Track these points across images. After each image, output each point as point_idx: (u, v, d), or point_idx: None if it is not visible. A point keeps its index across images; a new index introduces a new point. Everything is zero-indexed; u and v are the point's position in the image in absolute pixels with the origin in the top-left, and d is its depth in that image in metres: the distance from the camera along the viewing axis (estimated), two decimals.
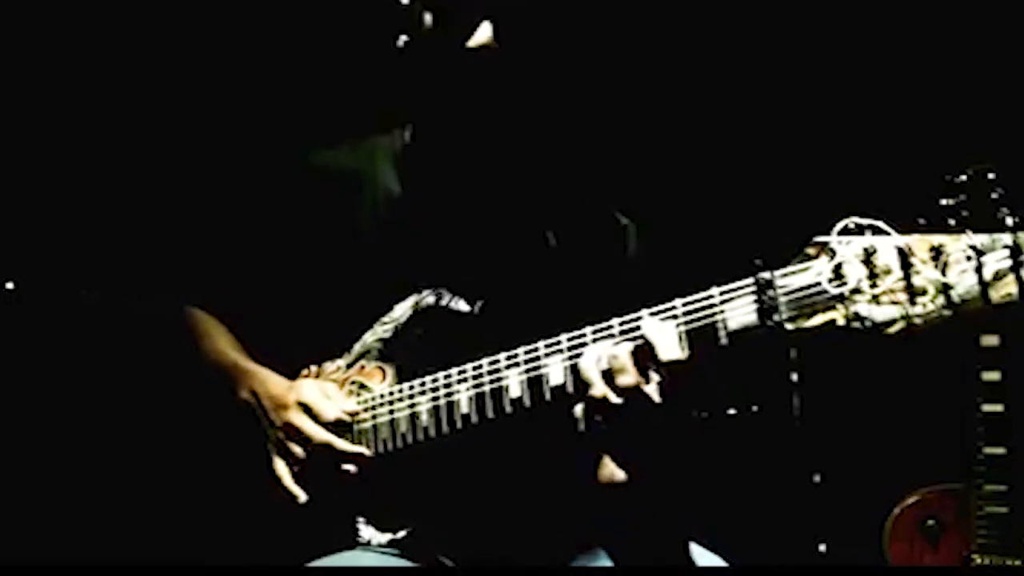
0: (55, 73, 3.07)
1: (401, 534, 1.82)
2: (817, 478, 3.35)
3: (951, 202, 2.57)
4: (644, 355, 1.53)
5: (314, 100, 3.13)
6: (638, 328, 1.60)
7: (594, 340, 1.63)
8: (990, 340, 2.93)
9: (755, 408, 3.53)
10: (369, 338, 1.89)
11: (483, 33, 1.81)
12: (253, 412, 1.88)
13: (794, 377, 3.36)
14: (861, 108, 3.49)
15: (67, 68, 3.08)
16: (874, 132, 3.47)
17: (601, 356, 1.55)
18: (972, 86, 3.34)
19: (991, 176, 2.56)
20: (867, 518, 3.10)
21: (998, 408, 2.91)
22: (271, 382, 1.89)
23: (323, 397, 1.85)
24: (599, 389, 1.53)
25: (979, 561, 2.90)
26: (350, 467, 1.80)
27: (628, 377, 1.52)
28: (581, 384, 1.57)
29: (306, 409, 1.83)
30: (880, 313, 1.38)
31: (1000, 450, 2.90)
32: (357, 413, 1.85)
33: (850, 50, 3.48)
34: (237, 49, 3.17)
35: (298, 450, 1.82)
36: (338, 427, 1.84)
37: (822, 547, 3.35)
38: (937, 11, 3.38)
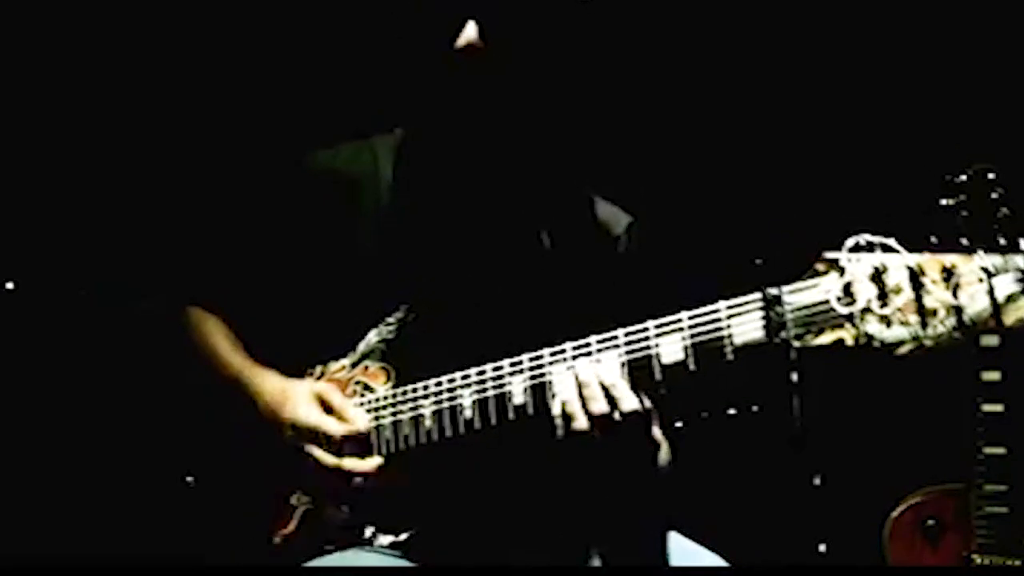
0: (57, 74, 3.06)
1: (404, 535, 1.82)
2: (817, 479, 3.35)
3: (951, 202, 2.58)
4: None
5: (315, 102, 3.13)
6: (645, 339, 1.60)
7: (599, 350, 1.64)
8: (990, 340, 2.93)
9: (755, 408, 3.53)
10: (373, 338, 1.89)
11: (469, 32, 1.80)
12: (256, 417, 1.88)
13: (794, 377, 3.36)
14: (868, 120, 3.49)
15: (69, 69, 3.07)
16: (881, 143, 3.47)
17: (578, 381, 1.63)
18: (972, 86, 3.34)
19: (991, 176, 2.57)
20: (867, 518, 3.10)
21: (998, 408, 2.91)
22: (264, 391, 1.87)
23: (322, 415, 1.82)
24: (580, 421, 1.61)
25: (979, 561, 2.90)
26: (358, 480, 1.80)
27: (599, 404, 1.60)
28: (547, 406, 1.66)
29: (306, 432, 1.82)
30: (890, 334, 1.38)
31: (1000, 450, 2.90)
32: (361, 430, 1.82)
33: (862, 61, 3.48)
34: (239, 52, 3.16)
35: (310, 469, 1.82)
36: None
37: (822, 547, 3.35)
38: (937, 12, 3.38)
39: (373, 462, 1.80)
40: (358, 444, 1.81)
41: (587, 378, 1.62)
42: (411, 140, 2.02)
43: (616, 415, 1.60)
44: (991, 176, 2.60)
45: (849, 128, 3.51)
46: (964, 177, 2.64)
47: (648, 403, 1.63)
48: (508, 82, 1.82)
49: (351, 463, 1.79)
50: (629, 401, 1.60)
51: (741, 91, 3.53)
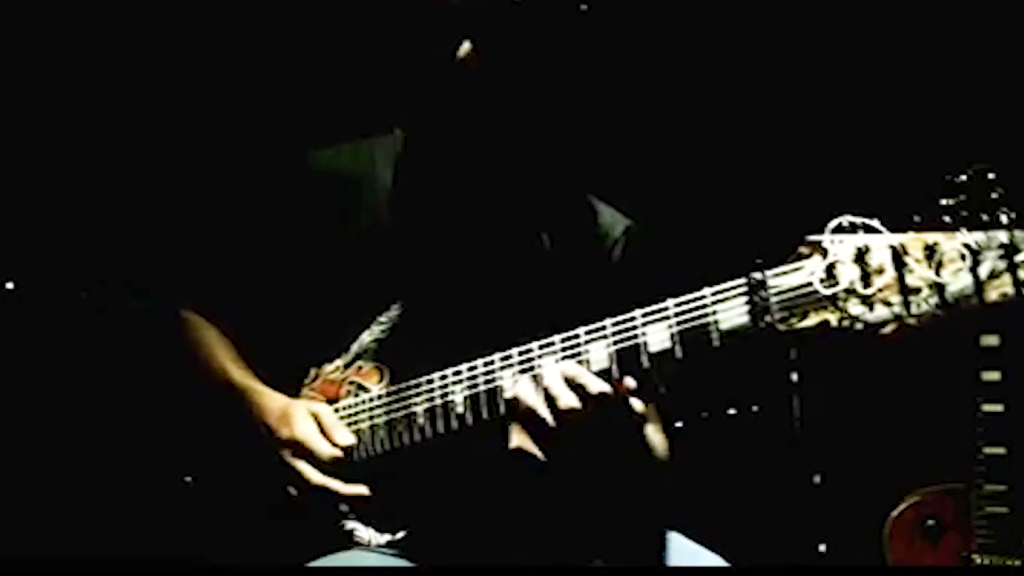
0: (57, 74, 3.07)
1: (399, 535, 1.81)
2: (817, 478, 3.35)
3: (951, 202, 2.57)
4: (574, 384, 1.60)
5: (314, 103, 3.14)
6: (632, 328, 1.60)
7: (587, 341, 1.63)
8: (990, 340, 2.92)
9: (755, 408, 3.53)
10: (366, 338, 1.89)
11: (466, 45, 1.81)
12: (254, 432, 1.88)
13: (794, 377, 3.36)
14: (857, 106, 3.49)
15: (69, 69, 3.08)
16: (870, 130, 3.47)
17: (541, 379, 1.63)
18: (972, 86, 3.33)
19: (991, 176, 2.56)
20: (867, 518, 3.09)
21: (998, 408, 2.91)
22: (265, 409, 1.86)
23: (317, 434, 1.81)
24: (542, 411, 1.60)
25: (979, 561, 2.90)
26: (343, 505, 1.80)
27: (567, 400, 1.59)
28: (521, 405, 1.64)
29: (302, 446, 1.81)
30: (873, 314, 1.38)
31: (1000, 450, 2.90)
32: (352, 447, 1.81)
33: (847, 48, 3.48)
34: (238, 52, 3.18)
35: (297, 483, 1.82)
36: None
37: (822, 547, 3.35)
38: (937, 11, 3.38)
39: (357, 489, 1.80)
40: (345, 468, 1.81)
41: (526, 391, 1.64)
42: (411, 143, 2.02)
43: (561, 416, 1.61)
44: (991, 176, 2.59)
45: (850, 128, 3.52)
46: (964, 177, 2.63)
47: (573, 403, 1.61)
48: (506, 89, 1.82)
49: (336, 485, 1.79)
50: (566, 399, 1.60)
51: (742, 92, 3.54)
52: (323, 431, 1.82)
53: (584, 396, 1.59)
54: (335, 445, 1.80)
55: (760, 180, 3.54)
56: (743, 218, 3.38)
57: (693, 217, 3.41)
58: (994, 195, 2.54)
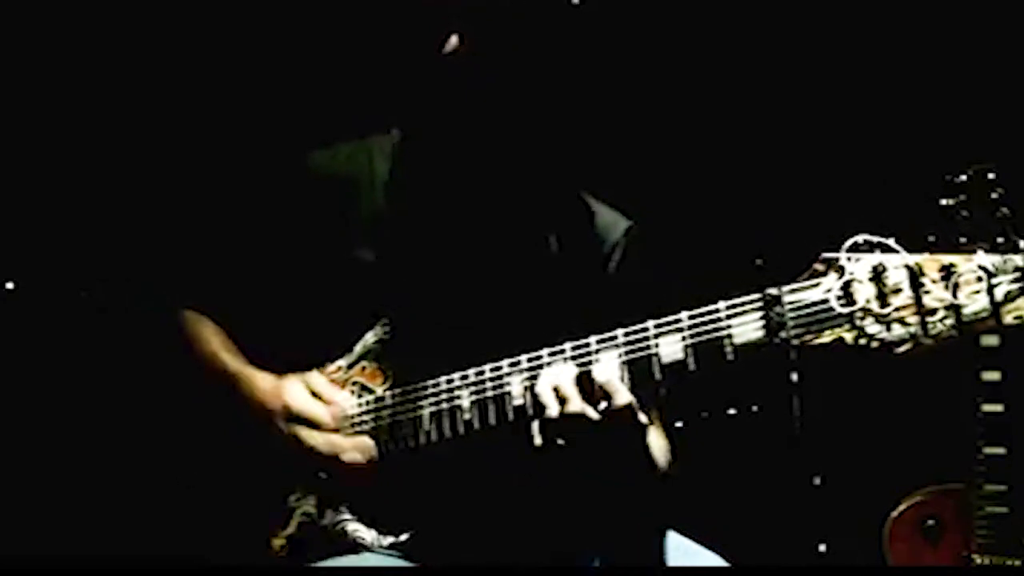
0: (58, 74, 3.06)
1: (403, 536, 1.81)
2: (817, 479, 3.36)
3: (951, 202, 2.59)
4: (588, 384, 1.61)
5: (313, 103, 3.13)
6: (644, 339, 1.60)
7: (598, 350, 1.64)
8: (990, 340, 2.93)
9: (755, 408, 3.53)
10: (370, 339, 1.88)
11: (454, 39, 1.81)
12: (251, 415, 1.88)
13: (794, 377, 3.37)
14: (857, 107, 3.49)
15: (69, 69, 3.07)
16: (871, 130, 3.47)
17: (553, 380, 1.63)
18: (972, 86, 3.34)
19: (991, 176, 2.57)
20: (867, 518, 3.10)
21: (998, 408, 2.91)
22: (257, 388, 1.88)
23: (311, 400, 1.84)
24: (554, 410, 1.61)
25: (979, 561, 2.90)
26: (356, 456, 1.80)
27: (573, 404, 1.60)
28: (537, 405, 1.64)
29: (299, 417, 1.82)
30: (889, 334, 1.38)
31: (1000, 450, 2.90)
32: (351, 413, 1.83)
33: (849, 49, 3.48)
34: (237, 53, 3.16)
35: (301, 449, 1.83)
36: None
37: (822, 547, 3.36)
38: (937, 12, 3.38)
39: (362, 442, 1.80)
40: (344, 426, 1.82)
41: (543, 388, 1.64)
42: (408, 142, 2.02)
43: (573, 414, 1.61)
44: (991, 176, 2.60)
45: (849, 128, 3.52)
46: (964, 177, 2.64)
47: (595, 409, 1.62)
48: (502, 85, 1.82)
49: (339, 440, 1.80)
50: (574, 404, 1.61)
51: (741, 92, 3.54)
52: (316, 397, 1.84)
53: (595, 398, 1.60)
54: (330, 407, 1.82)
55: (758, 179, 3.54)
56: (741, 217, 3.38)
57: (693, 217, 3.41)
58: (994, 195, 2.56)
